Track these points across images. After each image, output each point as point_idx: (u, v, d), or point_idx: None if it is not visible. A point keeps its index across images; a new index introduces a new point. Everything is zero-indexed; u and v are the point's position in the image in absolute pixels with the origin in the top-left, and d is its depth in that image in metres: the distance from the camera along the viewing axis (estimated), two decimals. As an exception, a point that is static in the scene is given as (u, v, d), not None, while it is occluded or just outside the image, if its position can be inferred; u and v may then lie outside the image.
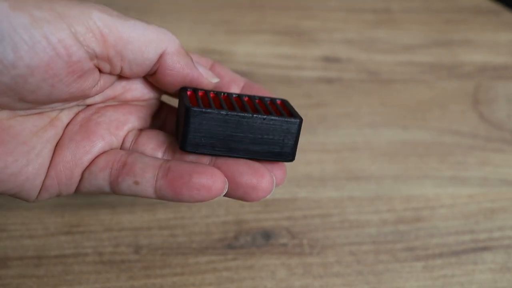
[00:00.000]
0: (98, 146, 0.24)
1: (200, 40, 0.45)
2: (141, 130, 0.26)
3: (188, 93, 0.25)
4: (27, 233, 0.31)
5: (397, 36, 0.47)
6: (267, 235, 0.32)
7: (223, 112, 0.23)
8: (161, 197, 0.23)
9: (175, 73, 0.24)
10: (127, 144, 0.26)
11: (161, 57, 0.24)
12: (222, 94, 0.26)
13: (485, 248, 0.33)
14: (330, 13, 0.49)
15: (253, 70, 0.43)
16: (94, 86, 0.23)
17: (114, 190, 0.24)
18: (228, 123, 0.24)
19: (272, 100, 0.27)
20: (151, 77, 0.25)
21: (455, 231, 0.33)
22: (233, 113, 0.24)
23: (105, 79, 0.24)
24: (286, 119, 0.24)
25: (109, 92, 0.26)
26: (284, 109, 0.26)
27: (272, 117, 0.24)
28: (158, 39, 0.23)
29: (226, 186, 0.23)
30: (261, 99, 0.27)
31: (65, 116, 0.25)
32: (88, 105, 0.26)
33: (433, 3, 0.51)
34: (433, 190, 0.35)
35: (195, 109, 0.23)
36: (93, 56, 0.22)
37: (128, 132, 0.26)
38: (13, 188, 0.22)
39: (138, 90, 0.26)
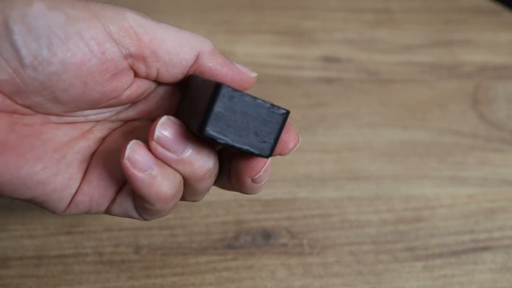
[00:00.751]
0: None
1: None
2: None
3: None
4: (27, 233, 0.31)
5: (397, 36, 0.47)
6: (267, 235, 0.32)
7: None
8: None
9: (215, 72, 0.24)
10: None
11: (198, 58, 0.24)
12: None
13: (485, 248, 0.33)
14: (330, 13, 0.49)
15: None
16: (127, 88, 0.23)
17: (140, 214, 0.24)
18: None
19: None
20: None
21: (455, 231, 0.33)
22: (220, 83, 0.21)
23: (138, 84, 0.24)
24: (275, 106, 0.21)
25: (143, 106, 0.25)
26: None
27: (263, 102, 0.21)
28: (192, 40, 0.23)
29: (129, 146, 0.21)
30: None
31: (98, 132, 0.24)
32: (122, 121, 0.25)
33: (433, 3, 0.51)
34: (432, 190, 0.35)
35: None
36: (128, 55, 0.22)
37: None
38: (40, 196, 0.22)
39: (170, 106, 0.26)
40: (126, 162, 0.21)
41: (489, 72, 0.44)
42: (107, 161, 0.23)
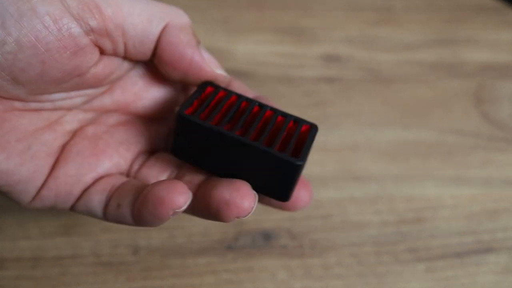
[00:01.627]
0: (105, 166, 0.23)
1: (200, 39, 0.44)
2: (152, 153, 0.25)
3: (208, 89, 0.23)
4: (24, 234, 0.30)
5: (399, 35, 0.47)
6: (267, 236, 0.32)
7: (215, 129, 0.20)
8: (137, 221, 0.21)
9: (172, 50, 0.22)
10: (135, 167, 0.24)
11: (163, 30, 0.22)
12: (245, 100, 0.23)
13: (488, 249, 0.32)
14: (330, 12, 0.48)
15: (253, 69, 0.42)
16: (92, 66, 0.22)
17: (105, 215, 0.22)
18: (221, 141, 0.21)
19: (285, 119, 0.23)
20: (156, 61, 0.23)
21: (457, 232, 0.33)
22: (226, 133, 0.20)
23: (106, 62, 0.22)
24: (284, 158, 0.20)
25: (120, 98, 0.24)
26: (297, 137, 0.22)
27: (268, 151, 0.20)
28: (163, 13, 0.22)
29: (187, 198, 0.20)
30: (280, 124, 0.23)
31: (68, 124, 0.23)
32: (96, 112, 0.24)
33: (435, 1, 0.50)
34: (435, 191, 0.35)
35: (184, 116, 0.21)
36: (89, 30, 0.20)
37: (138, 154, 0.24)
38: (3, 186, 0.21)
39: (150, 100, 0.25)
40: (169, 211, 0.20)
41: (492, 71, 0.44)
42: (78, 158, 0.23)
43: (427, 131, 0.39)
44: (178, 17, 0.22)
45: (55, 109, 0.23)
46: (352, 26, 0.47)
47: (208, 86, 0.23)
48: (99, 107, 0.24)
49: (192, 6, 0.47)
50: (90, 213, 0.23)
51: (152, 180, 0.23)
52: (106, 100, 0.24)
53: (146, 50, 0.22)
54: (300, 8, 0.49)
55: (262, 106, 0.23)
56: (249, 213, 0.20)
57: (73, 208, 0.23)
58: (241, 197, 0.20)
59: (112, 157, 0.23)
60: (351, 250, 0.32)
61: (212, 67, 0.23)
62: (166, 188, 0.20)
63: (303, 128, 0.23)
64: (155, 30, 0.22)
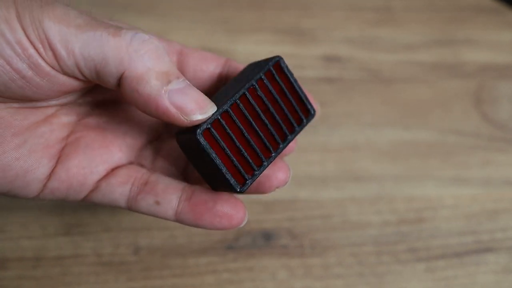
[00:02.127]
0: (116, 157, 0.24)
1: (200, 39, 0.44)
2: (159, 143, 0.26)
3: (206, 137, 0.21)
4: (25, 234, 0.30)
5: (398, 35, 0.47)
6: (267, 236, 0.32)
7: (262, 169, 0.22)
8: (180, 220, 0.23)
9: (135, 102, 0.20)
10: (147, 158, 0.25)
11: (121, 79, 0.20)
12: (229, 110, 0.21)
13: (487, 249, 0.32)
14: (330, 12, 0.48)
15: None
16: (75, 88, 0.22)
17: (131, 207, 0.23)
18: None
19: (262, 80, 0.23)
20: None
21: (457, 232, 0.33)
22: (269, 162, 0.23)
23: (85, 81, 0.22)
24: (306, 123, 0.24)
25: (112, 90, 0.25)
26: (291, 92, 0.23)
27: (298, 132, 0.23)
28: (117, 59, 0.20)
29: (246, 217, 0.23)
30: (268, 90, 0.23)
31: (64, 116, 0.24)
32: (91, 104, 0.25)
33: (435, 1, 0.50)
34: (435, 191, 0.35)
35: (244, 189, 0.22)
36: (48, 66, 0.20)
37: (144, 143, 0.25)
38: (2, 184, 0.21)
39: None
40: (231, 227, 0.23)
41: (492, 71, 0.44)
42: (88, 150, 0.23)
43: (427, 131, 0.39)
44: (134, 64, 0.20)
45: (49, 106, 0.23)
46: (352, 26, 0.47)
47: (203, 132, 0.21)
48: (93, 100, 0.24)
49: (192, 6, 0.47)
50: (110, 204, 0.23)
51: (169, 173, 0.25)
52: (99, 96, 0.24)
53: (108, 86, 0.21)
54: (300, 8, 0.49)
55: (245, 93, 0.22)
56: (287, 182, 0.24)
57: (86, 199, 0.23)
58: (279, 169, 0.24)
59: (121, 148, 0.24)
60: (352, 250, 0.32)
61: (181, 117, 0.20)
62: (233, 208, 0.22)
63: (278, 72, 0.23)
64: (112, 79, 0.20)
